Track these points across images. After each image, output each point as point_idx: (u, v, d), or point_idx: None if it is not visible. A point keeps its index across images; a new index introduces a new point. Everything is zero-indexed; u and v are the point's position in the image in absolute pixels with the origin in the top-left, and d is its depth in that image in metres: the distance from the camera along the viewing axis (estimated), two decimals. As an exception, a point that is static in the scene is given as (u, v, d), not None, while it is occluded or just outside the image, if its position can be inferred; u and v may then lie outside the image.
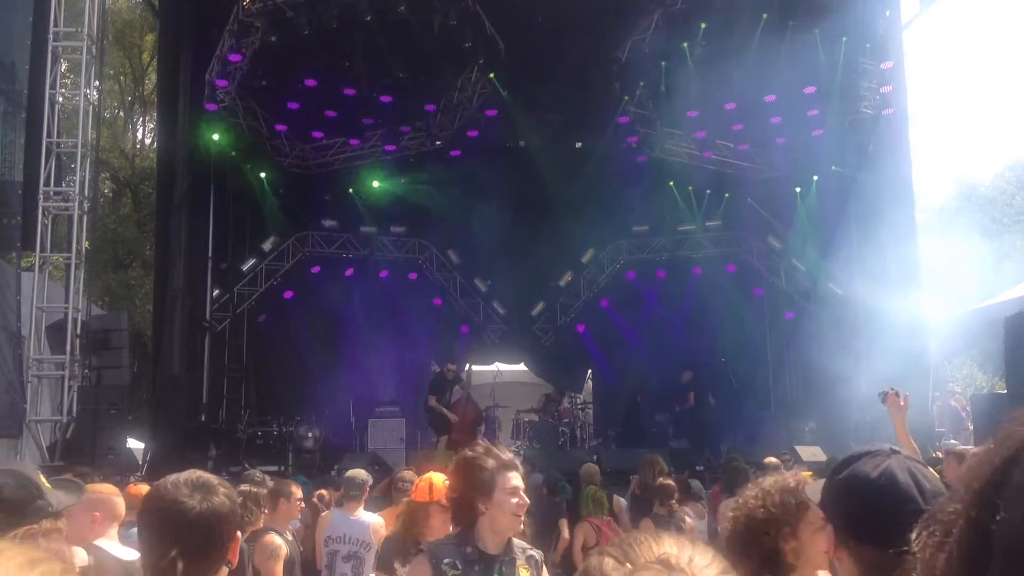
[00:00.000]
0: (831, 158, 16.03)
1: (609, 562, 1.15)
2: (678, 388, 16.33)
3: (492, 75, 16.08)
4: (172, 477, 2.17)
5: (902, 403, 4.58)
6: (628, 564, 1.13)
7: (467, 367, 15.34)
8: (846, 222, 15.72)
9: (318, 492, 8.56)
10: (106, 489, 4.28)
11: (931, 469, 1.77)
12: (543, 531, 7.70)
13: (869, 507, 1.69)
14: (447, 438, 14.48)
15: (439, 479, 4.31)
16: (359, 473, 6.79)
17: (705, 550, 1.14)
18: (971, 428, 15.10)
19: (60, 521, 2.65)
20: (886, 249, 14.51)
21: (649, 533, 1.20)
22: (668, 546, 1.14)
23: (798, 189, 16.64)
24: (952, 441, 14.63)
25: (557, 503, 9.07)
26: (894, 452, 1.74)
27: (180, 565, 1.94)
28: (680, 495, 8.08)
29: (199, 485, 2.11)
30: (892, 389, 4.64)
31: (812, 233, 16.65)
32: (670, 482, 7.61)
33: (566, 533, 8.45)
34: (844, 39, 14.85)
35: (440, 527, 4.11)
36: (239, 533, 2.11)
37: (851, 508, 1.73)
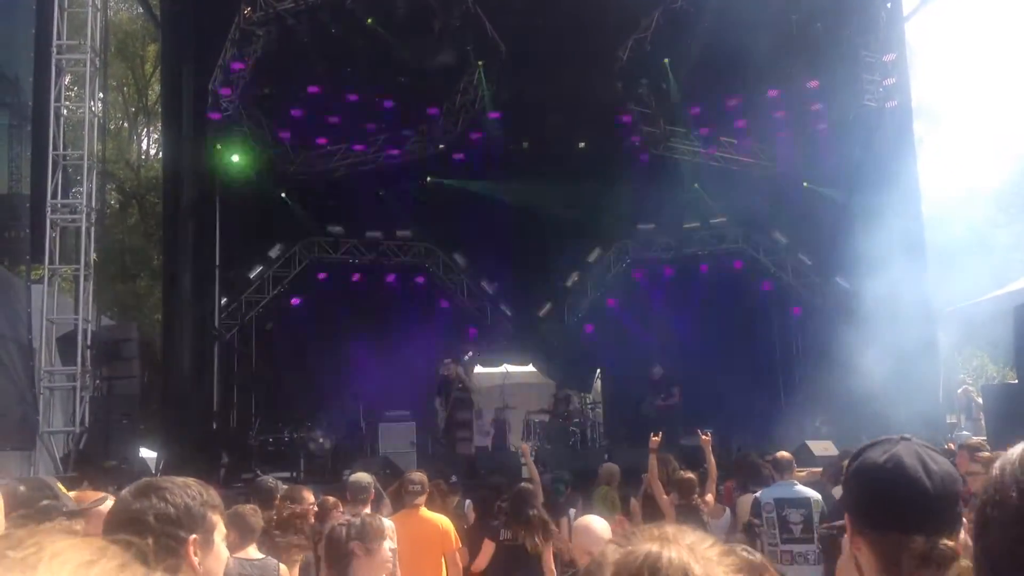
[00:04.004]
0: (835, 152, 16.01)
1: (612, 547, 1.18)
2: (653, 384, 16.24)
3: (491, 88, 16.08)
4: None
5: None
6: (629, 547, 1.16)
7: (446, 362, 15.41)
8: (851, 215, 15.70)
9: (323, 498, 8.46)
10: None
11: (942, 455, 1.78)
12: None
13: (878, 493, 1.72)
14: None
15: None
16: (363, 477, 6.83)
17: (705, 536, 1.17)
18: (982, 418, 15.06)
19: (77, 523, 2.69)
20: (893, 241, 14.46)
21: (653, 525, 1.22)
22: (672, 530, 1.17)
23: (805, 184, 16.61)
24: (964, 433, 14.60)
25: (558, 502, 9.10)
26: (904, 439, 1.76)
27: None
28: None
29: (142, 488, 2.22)
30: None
31: (818, 227, 16.62)
32: (691, 476, 7.63)
33: (566, 531, 8.47)
34: (846, 33, 14.83)
35: None
36: (192, 537, 2.12)
37: (862, 496, 1.76)
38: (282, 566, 4.47)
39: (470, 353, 15.70)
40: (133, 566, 0.86)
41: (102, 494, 3.41)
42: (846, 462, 2.02)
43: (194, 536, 2.13)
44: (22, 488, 2.74)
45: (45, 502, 2.71)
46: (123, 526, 2.11)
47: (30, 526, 2.50)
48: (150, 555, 1.68)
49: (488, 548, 6.97)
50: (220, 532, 2.25)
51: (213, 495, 2.27)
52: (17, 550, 0.83)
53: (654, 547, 1.11)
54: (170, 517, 2.12)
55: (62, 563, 0.82)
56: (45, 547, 0.83)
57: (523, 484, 7.49)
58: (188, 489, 2.20)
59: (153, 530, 2.08)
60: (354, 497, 6.62)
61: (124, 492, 2.27)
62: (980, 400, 15.56)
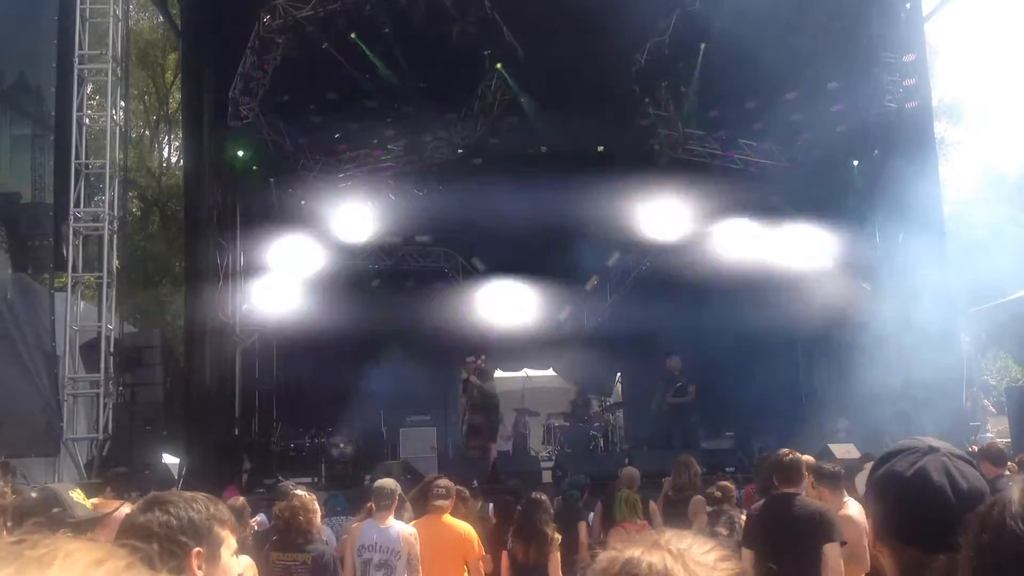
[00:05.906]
0: (855, 153, 15.92)
1: (610, 552, 1.18)
2: (668, 376, 16.23)
3: (507, 74, 16.02)
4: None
5: None
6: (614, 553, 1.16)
7: (468, 360, 15.51)
8: (872, 216, 15.61)
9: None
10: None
11: (972, 467, 1.76)
12: (564, 535, 7.67)
13: (902, 505, 1.70)
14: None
15: None
16: (388, 482, 6.81)
17: (706, 541, 1.17)
18: (988, 422, 14.98)
19: (84, 532, 2.71)
20: (914, 242, 14.37)
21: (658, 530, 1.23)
22: (668, 535, 1.17)
23: (824, 185, 16.52)
24: (988, 435, 14.47)
25: (574, 507, 9.09)
26: (932, 450, 1.74)
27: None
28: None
29: (148, 502, 2.26)
30: None
31: (837, 228, 16.51)
32: (728, 483, 7.72)
33: (584, 536, 8.47)
34: (865, 33, 14.76)
35: None
36: (197, 550, 2.13)
37: (886, 506, 1.75)
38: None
39: (483, 356, 15.71)
40: (139, 567, 0.94)
41: (118, 502, 3.44)
42: (869, 464, 2.01)
43: (198, 548, 2.14)
44: (31, 496, 2.77)
45: (50, 512, 2.74)
46: (130, 536, 2.13)
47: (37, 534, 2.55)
48: (155, 559, 1.71)
49: (504, 559, 7.07)
50: (229, 547, 2.25)
51: (222, 510, 2.27)
52: (35, 550, 0.89)
53: (636, 553, 1.11)
54: (173, 528, 2.14)
55: (74, 561, 0.88)
56: (60, 547, 0.90)
57: (534, 495, 7.50)
58: (194, 503, 2.22)
59: (158, 537, 2.11)
60: (378, 502, 6.63)
61: (133, 507, 2.32)
62: (986, 402, 15.45)
